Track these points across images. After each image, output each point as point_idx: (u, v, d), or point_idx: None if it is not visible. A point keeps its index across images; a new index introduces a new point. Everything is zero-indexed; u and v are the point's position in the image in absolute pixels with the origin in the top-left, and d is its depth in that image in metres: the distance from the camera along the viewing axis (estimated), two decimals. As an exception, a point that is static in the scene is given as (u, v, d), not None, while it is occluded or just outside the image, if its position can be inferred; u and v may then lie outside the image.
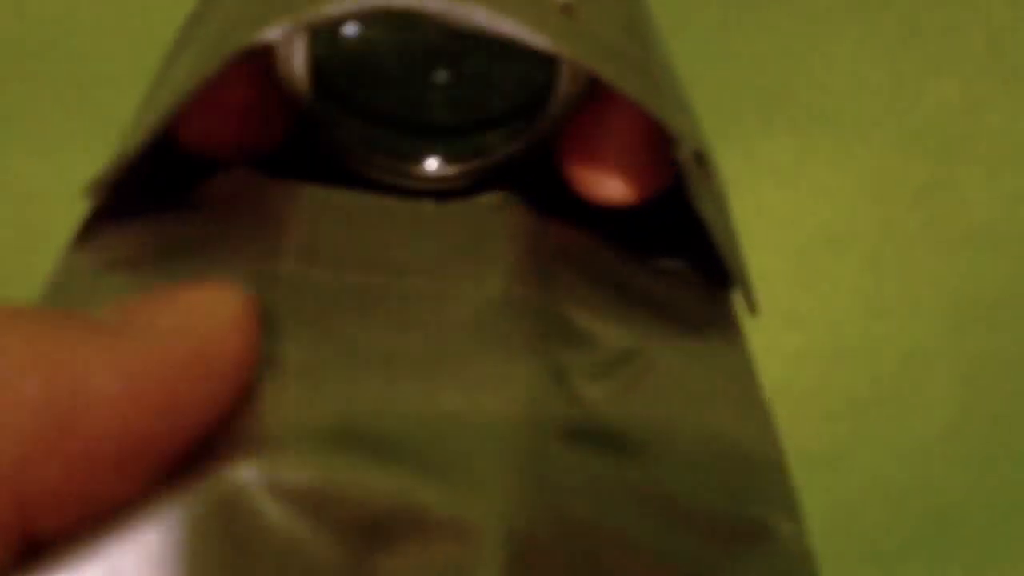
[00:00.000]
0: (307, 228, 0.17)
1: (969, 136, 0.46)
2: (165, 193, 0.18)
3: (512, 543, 0.12)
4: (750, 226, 0.44)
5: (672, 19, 0.45)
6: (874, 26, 0.46)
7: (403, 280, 0.16)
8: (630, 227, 0.20)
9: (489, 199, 0.19)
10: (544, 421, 0.14)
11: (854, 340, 0.45)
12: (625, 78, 0.17)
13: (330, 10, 0.16)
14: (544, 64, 0.20)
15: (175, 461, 0.12)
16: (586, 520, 0.12)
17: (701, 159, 0.18)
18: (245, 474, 0.12)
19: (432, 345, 0.15)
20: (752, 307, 0.17)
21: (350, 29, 0.21)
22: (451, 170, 0.20)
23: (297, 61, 0.19)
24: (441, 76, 0.20)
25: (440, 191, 0.20)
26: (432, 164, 0.20)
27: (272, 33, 0.16)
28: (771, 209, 0.44)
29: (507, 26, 0.16)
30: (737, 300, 0.18)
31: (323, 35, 0.20)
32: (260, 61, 0.19)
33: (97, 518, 0.11)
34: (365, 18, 0.21)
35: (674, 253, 0.19)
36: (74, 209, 0.41)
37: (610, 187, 0.19)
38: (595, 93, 0.19)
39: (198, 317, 0.12)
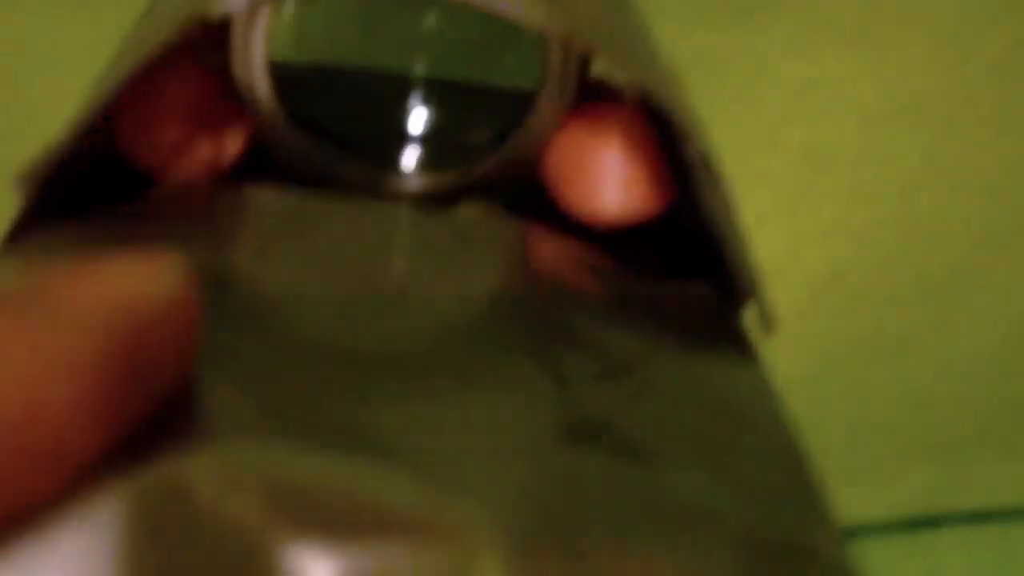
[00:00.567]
0: (264, 225, 0.16)
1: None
2: (110, 204, 0.18)
3: (504, 554, 0.11)
4: (811, 93, 0.41)
5: None
6: None
7: (381, 279, 0.16)
8: (626, 246, 0.19)
9: (471, 209, 0.18)
10: (543, 420, 0.13)
11: (926, 216, 0.42)
12: (628, 62, 0.16)
13: None
14: (530, 69, 0.19)
15: (106, 452, 0.10)
16: (593, 533, 0.11)
17: (707, 162, 0.17)
18: (189, 465, 0.11)
19: (413, 342, 0.14)
20: (769, 323, 0.17)
21: (315, 24, 0.19)
22: (430, 183, 0.19)
23: (256, 59, 0.18)
24: (419, 76, 0.19)
25: (419, 207, 0.19)
26: (409, 177, 0.19)
27: (227, 3, 0.15)
28: (833, 74, 0.41)
29: (501, 3, 0.15)
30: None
31: (284, 33, 0.19)
32: (213, 66, 0.18)
33: (12, 518, 0.10)
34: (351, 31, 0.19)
35: (677, 272, 0.18)
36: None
37: (603, 205, 0.18)
38: (581, 105, 0.18)
39: (128, 292, 0.10)
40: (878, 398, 0.44)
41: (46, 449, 0.09)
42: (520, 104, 0.19)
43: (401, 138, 0.19)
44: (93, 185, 0.18)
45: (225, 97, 0.18)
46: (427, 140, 0.19)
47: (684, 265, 0.19)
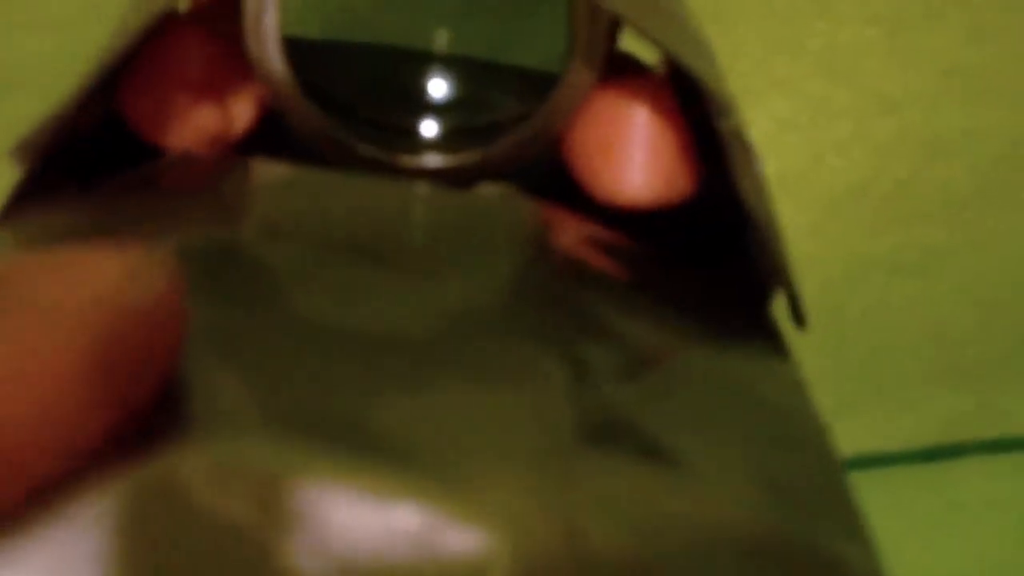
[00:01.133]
0: (275, 201, 0.16)
1: None
2: (112, 175, 0.17)
3: (522, 565, 0.10)
4: None
5: None
6: None
7: (395, 259, 0.15)
8: (650, 228, 0.19)
9: (492, 188, 0.18)
10: (563, 417, 0.12)
11: (953, 126, 0.40)
12: (663, 34, 0.16)
13: None
14: (556, 43, 0.18)
15: (93, 448, 0.10)
16: (610, 541, 0.11)
17: (741, 137, 0.16)
18: (183, 461, 0.10)
19: (426, 332, 0.13)
20: (799, 316, 0.16)
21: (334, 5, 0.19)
22: (448, 161, 0.19)
23: (268, 29, 0.18)
24: (441, 45, 0.19)
25: (435, 177, 0.19)
26: (427, 155, 0.19)
27: None
28: None
29: None
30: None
31: (298, 2, 0.18)
32: (223, 32, 0.18)
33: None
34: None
35: (703, 256, 0.18)
36: None
37: (629, 184, 0.17)
38: (608, 81, 0.18)
39: (110, 286, 0.10)
40: (899, 321, 0.42)
41: (19, 444, 0.09)
42: (544, 79, 0.19)
43: (419, 114, 0.19)
44: (97, 154, 0.18)
45: (235, 66, 0.18)
46: (446, 117, 0.19)
47: (710, 249, 0.18)
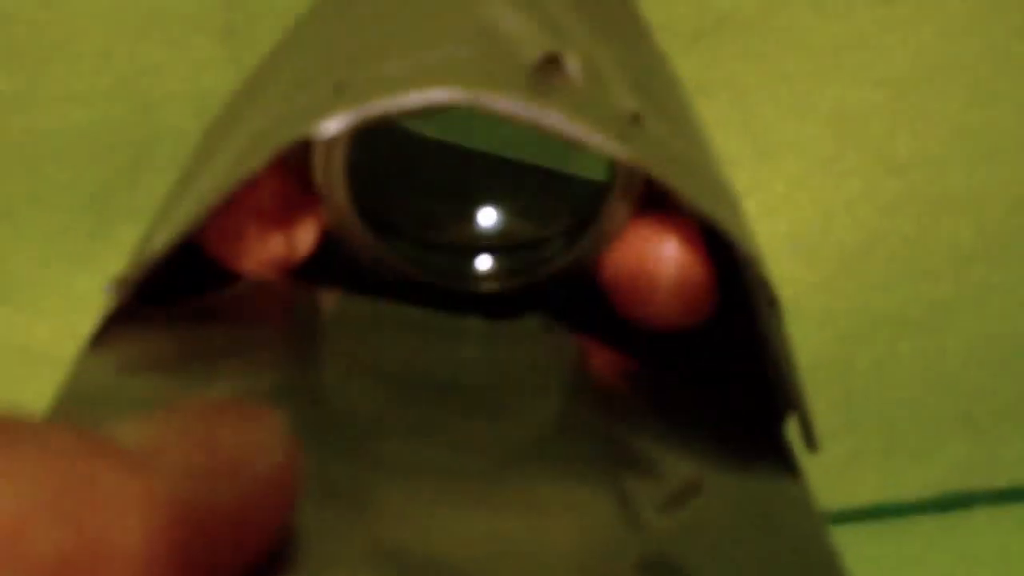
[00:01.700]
0: (345, 337, 0.17)
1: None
2: (188, 295, 0.18)
3: None
4: (841, 56, 0.40)
5: None
6: None
7: (456, 397, 0.16)
8: (675, 350, 0.20)
9: (537, 319, 0.19)
10: (613, 551, 0.13)
11: (958, 185, 0.41)
12: (696, 191, 0.17)
13: (395, 102, 0.15)
14: (594, 180, 0.19)
15: None
16: None
17: (764, 283, 0.18)
18: None
19: (489, 466, 0.15)
20: (812, 443, 0.17)
21: (396, 140, 0.20)
22: (498, 286, 0.20)
23: (336, 167, 0.19)
24: (489, 192, 0.20)
25: (485, 306, 0.20)
26: (479, 280, 0.20)
27: (330, 126, 0.16)
28: (865, 34, 0.40)
29: (579, 131, 0.16)
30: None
31: (366, 143, 0.19)
32: (290, 167, 0.19)
33: None
34: (431, 114, 0.20)
35: (721, 377, 0.19)
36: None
37: (658, 310, 0.19)
38: (645, 210, 0.19)
39: (240, 455, 0.11)
40: (909, 373, 0.43)
41: None
42: (586, 210, 0.20)
43: (473, 246, 0.20)
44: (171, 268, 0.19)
45: (302, 196, 0.19)
46: (497, 249, 0.20)
47: (731, 364, 0.20)
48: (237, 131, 0.18)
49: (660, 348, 0.20)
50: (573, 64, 0.16)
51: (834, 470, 0.44)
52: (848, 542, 0.43)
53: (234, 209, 0.18)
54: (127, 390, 0.15)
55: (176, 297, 0.18)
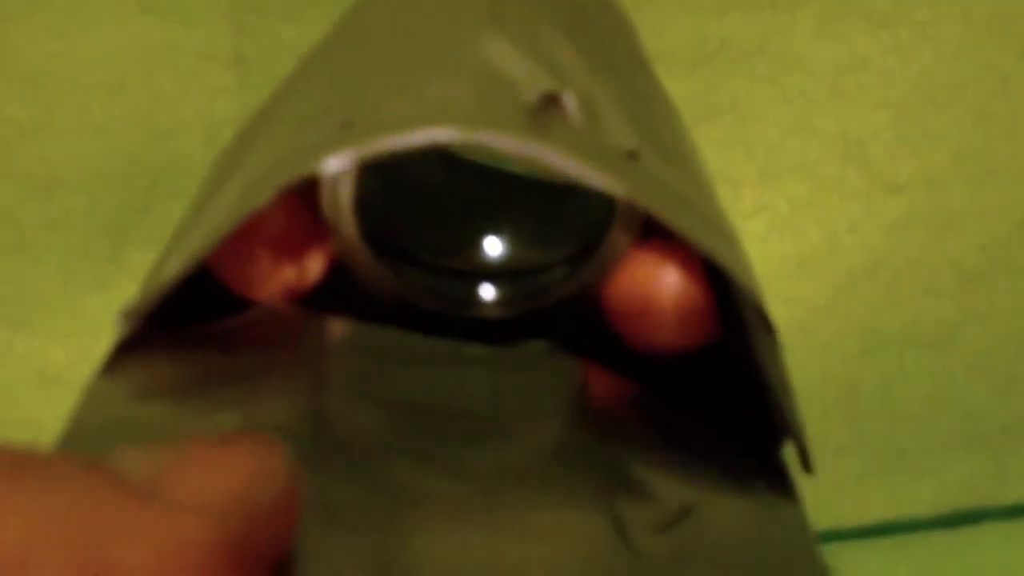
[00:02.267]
0: (352, 365, 0.18)
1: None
2: (197, 320, 0.19)
3: None
4: (843, 78, 0.40)
5: None
6: None
7: (458, 423, 0.17)
8: (676, 375, 0.20)
9: (540, 345, 0.20)
10: (607, 569, 0.14)
11: (961, 205, 0.41)
12: (692, 227, 0.17)
13: (398, 141, 0.16)
14: (596, 209, 0.20)
15: None
16: None
17: (761, 312, 0.18)
18: None
19: (489, 493, 0.15)
20: (808, 466, 0.18)
21: (402, 169, 0.20)
22: (502, 312, 0.20)
23: (343, 199, 0.19)
24: (494, 220, 0.21)
25: (489, 332, 0.20)
26: (484, 307, 0.20)
27: (335, 163, 0.16)
28: (866, 57, 0.41)
29: (578, 169, 0.16)
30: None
31: (372, 173, 0.20)
32: (300, 195, 0.19)
33: None
34: (433, 153, 0.21)
35: (720, 401, 0.20)
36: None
37: (659, 335, 0.19)
38: (647, 237, 0.19)
39: (243, 489, 0.11)
40: (916, 391, 0.43)
41: None
42: (589, 237, 0.20)
43: (477, 273, 0.21)
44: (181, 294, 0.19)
45: (310, 225, 0.19)
46: (501, 273, 0.21)
47: (728, 389, 0.20)
48: (246, 164, 0.19)
49: (661, 373, 0.20)
50: (571, 103, 0.17)
51: (843, 488, 0.44)
52: (858, 559, 0.43)
53: (244, 237, 0.19)
54: (138, 418, 0.15)
55: (188, 323, 0.19)
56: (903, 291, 0.42)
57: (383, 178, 0.21)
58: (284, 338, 0.18)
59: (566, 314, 0.20)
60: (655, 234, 0.20)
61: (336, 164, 0.16)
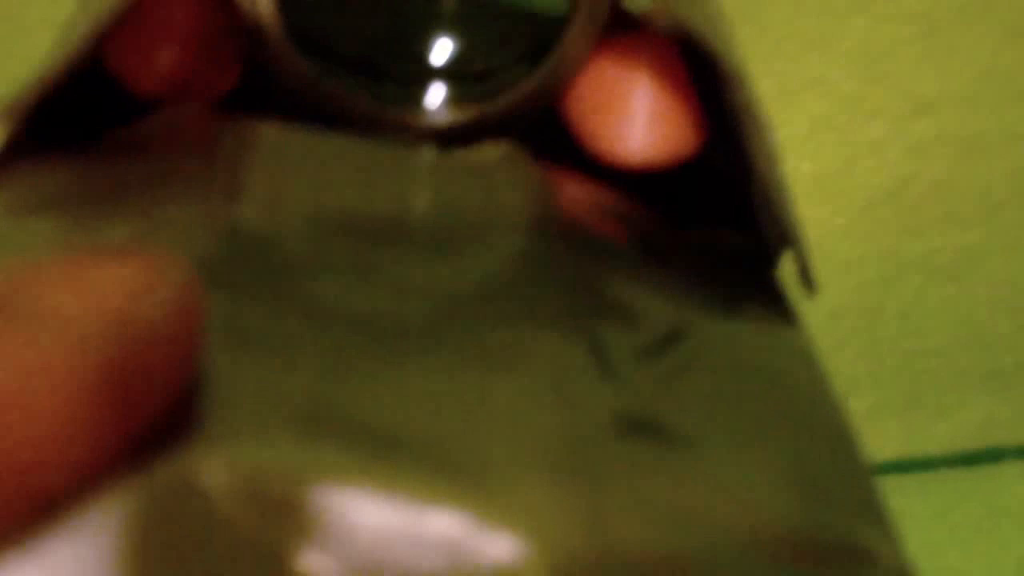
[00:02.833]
0: (272, 170, 0.15)
1: None
2: (100, 131, 0.17)
3: (554, 570, 0.10)
4: None
5: None
6: None
7: (400, 235, 0.14)
8: (654, 190, 0.18)
9: (496, 148, 0.17)
10: (583, 409, 0.12)
11: (990, 127, 0.40)
12: (678, 5, 0.15)
13: None
14: (557, 7, 0.18)
15: (109, 457, 0.10)
16: (644, 544, 0.10)
17: (753, 107, 0.16)
18: (199, 465, 0.10)
19: (435, 312, 0.13)
20: (809, 280, 0.16)
21: None
22: (450, 117, 0.18)
23: None
24: (439, 11, 0.18)
25: (436, 142, 0.18)
26: (428, 112, 0.18)
27: None
28: None
29: None
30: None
31: None
32: None
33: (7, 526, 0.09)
34: None
35: (709, 221, 0.18)
36: None
37: (629, 144, 0.17)
38: (612, 36, 0.17)
39: (120, 309, 0.10)
40: (937, 323, 0.41)
41: (26, 461, 0.09)
42: (548, 32, 0.18)
43: (420, 68, 0.18)
44: (78, 99, 0.17)
45: (221, 16, 0.17)
46: (449, 72, 0.18)
47: (715, 214, 0.18)
48: None
49: (637, 191, 0.18)
50: None
51: (859, 422, 0.42)
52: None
53: (147, 30, 0.17)
54: (13, 234, 0.13)
55: (88, 129, 0.17)
56: (925, 217, 0.40)
57: None
58: (195, 143, 0.16)
59: (526, 126, 0.18)
60: (625, 30, 0.18)
61: None
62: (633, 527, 0.11)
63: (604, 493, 0.11)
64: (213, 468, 0.10)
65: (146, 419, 0.10)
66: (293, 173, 0.15)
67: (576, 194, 0.16)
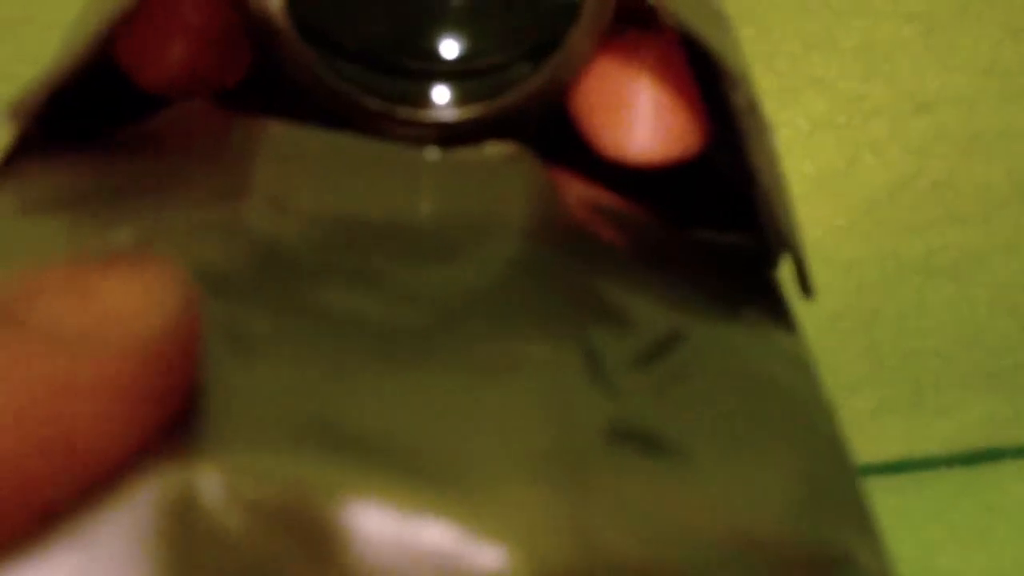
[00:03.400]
0: (279, 171, 0.15)
1: None
2: (107, 127, 0.17)
3: None
4: None
5: None
6: None
7: (397, 239, 0.14)
8: (655, 190, 0.18)
9: (501, 148, 0.17)
10: (579, 418, 0.12)
11: (990, 126, 0.40)
12: (681, 7, 0.16)
13: None
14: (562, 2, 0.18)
15: (110, 473, 0.10)
16: (632, 553, 0.10)
17: (754, 109, 0.16)
18: (197, 475, 0.10)
19: (432, 320, 0.13)
20: (806, 285, 0.16)
21: None
22: (457, 113, 0.18)
23: None
24: (447, 8, 0.18)
25: (442, 139, 0.18)
26: (436, 107, 0.18)
27: None
28: None
29: None
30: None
31: None
32: None
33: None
34: None
35: (708, 222, 0.18)
36: None
37: (633, 142, 0.17)
38: (620, 31, 0.17)
39: (120, 319, 0.10)
40: (935, 324, 0.41)
41: (35, 474, 0.09)
42: (554, 29, 0.18)
43: (427, 64, 0.18)
44: (91, 99, 0.17)
45: (230, 11, 0.17)
46: (456, 68, 0.18)
47: (716, 215, 0.18)
48: None
49: (641, 188, 0.18)
50: None
51: (858, 424, 0.42)
52: (872, 496, 0.42)
53: (154, 24, 0.17)
54: (22, 234, 0.13)
55: (95, 124, 0.17)
56: (926, 216, 0.40)
57: None
58: (202, 141, 0.16)
59: (532, 123, 0.18)
60: (629, 28, 0.18)
61: None
62: (622, 537, 0.11)
63: (593, 502, 0.11)
64: (208, 478, 0.10)
65: (150, 430, 0.10)
66: (299, 174, 0.15)
67: (579, 196, 0.17)
